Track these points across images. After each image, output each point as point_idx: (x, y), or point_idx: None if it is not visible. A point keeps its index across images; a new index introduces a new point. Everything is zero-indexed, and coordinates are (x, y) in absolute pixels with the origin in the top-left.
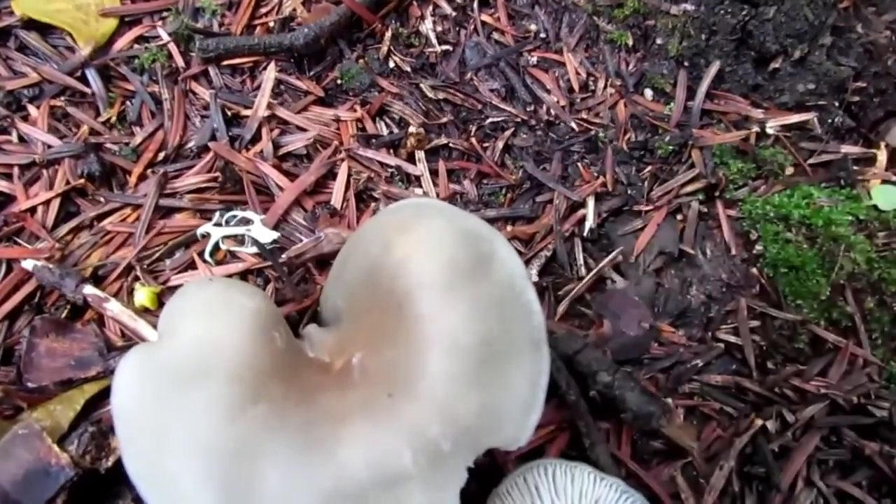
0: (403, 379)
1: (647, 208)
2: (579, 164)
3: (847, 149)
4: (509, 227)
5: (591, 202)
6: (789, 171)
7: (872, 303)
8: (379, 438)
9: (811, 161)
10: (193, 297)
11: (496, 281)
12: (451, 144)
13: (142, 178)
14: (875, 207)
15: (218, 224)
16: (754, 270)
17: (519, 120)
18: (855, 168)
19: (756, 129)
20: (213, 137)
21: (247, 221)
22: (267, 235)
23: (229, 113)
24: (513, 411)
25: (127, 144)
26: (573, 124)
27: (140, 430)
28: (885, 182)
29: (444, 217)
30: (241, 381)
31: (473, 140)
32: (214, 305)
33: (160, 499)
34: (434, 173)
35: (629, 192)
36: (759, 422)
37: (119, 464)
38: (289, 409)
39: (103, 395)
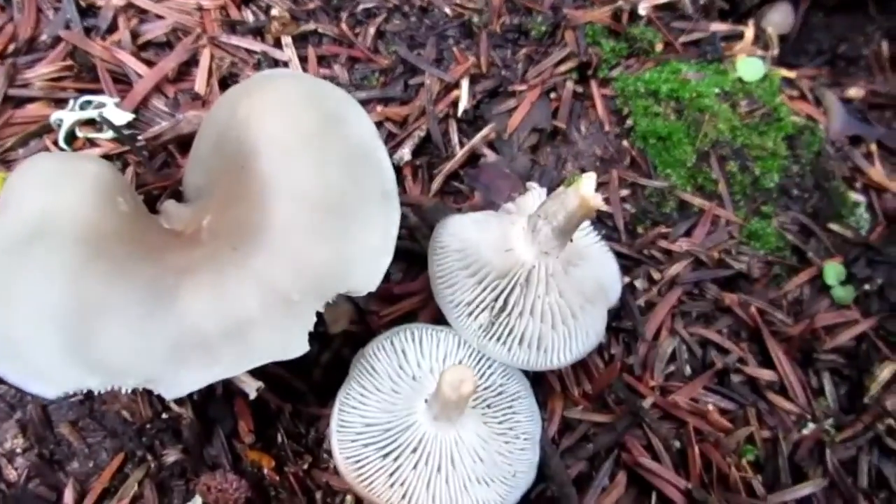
0: (248, 232)
1: (522, 88)
2: (454, 48)
3: (716, 27)
4: (381, 108)
5: (465, 83)
6: (659, 48)
7: (735, 167)
8: (222, 287)
9: (682, 39)
10: (31, 168)
11: (344, 138)
12: (320, 30)
13: None
14: (740, 80)
15: (72, 110)
16: (626, 144)
17: (391, 6)
18: (723, 45)
19: (627, 7)
20: (67, 28)
21: (101, 106)
22: (121, 117)
23: (84, 4)
24: (362, 258)
25: None
26: (447, 10)
27: None
28: (750, 56)
29: (291, 79)
30: (80, 242)
31: (344, 26)
32: (52, 172)
33: (8, 362)
34: (303, 59)
35: (504, 73)
36: (626, 279)
37: None
38: (131, 266)
39: None
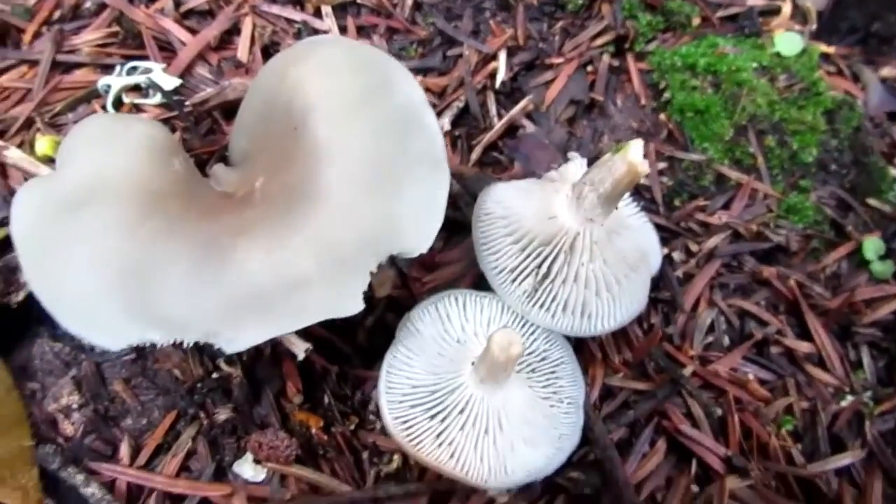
0: (302, 193)
1: (559, 61)
2: (491, 21)
3: (753, 1)
4: (420, 79)
5: (502, 55)
6: (696, 22)
7: (773, 141)
8: (279, 246)
9: (719, 14)
10: (87, 128)
11: (393, 103)
12: (358, 1)
13: (37, 35)
14: (778, 54)
15: (119, 76)
16: (663, 117)
17: None
18: (760, 19)
19: None
20: None
21: (148, 72)
22: (169, 82)
23: None
24: (413, 220)
25: (20, 4)
26: None
27: (39, 252)
28: (788, 31)
29: (339, 45)
30: (136, 200)
31: None
32: (108, 133)
33: (66, 313)
34: (343, 29)
35: (541, 46)
36: (664, 251)
37: (34, 302)
38: (188, 224)
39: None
